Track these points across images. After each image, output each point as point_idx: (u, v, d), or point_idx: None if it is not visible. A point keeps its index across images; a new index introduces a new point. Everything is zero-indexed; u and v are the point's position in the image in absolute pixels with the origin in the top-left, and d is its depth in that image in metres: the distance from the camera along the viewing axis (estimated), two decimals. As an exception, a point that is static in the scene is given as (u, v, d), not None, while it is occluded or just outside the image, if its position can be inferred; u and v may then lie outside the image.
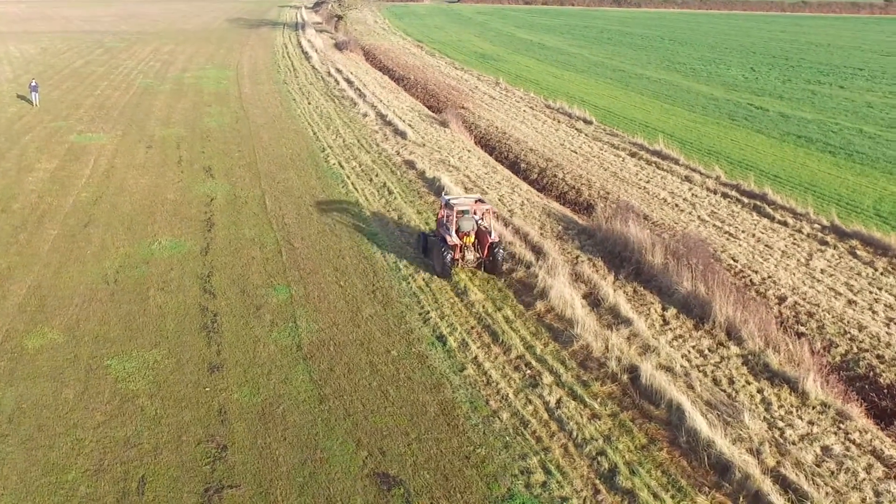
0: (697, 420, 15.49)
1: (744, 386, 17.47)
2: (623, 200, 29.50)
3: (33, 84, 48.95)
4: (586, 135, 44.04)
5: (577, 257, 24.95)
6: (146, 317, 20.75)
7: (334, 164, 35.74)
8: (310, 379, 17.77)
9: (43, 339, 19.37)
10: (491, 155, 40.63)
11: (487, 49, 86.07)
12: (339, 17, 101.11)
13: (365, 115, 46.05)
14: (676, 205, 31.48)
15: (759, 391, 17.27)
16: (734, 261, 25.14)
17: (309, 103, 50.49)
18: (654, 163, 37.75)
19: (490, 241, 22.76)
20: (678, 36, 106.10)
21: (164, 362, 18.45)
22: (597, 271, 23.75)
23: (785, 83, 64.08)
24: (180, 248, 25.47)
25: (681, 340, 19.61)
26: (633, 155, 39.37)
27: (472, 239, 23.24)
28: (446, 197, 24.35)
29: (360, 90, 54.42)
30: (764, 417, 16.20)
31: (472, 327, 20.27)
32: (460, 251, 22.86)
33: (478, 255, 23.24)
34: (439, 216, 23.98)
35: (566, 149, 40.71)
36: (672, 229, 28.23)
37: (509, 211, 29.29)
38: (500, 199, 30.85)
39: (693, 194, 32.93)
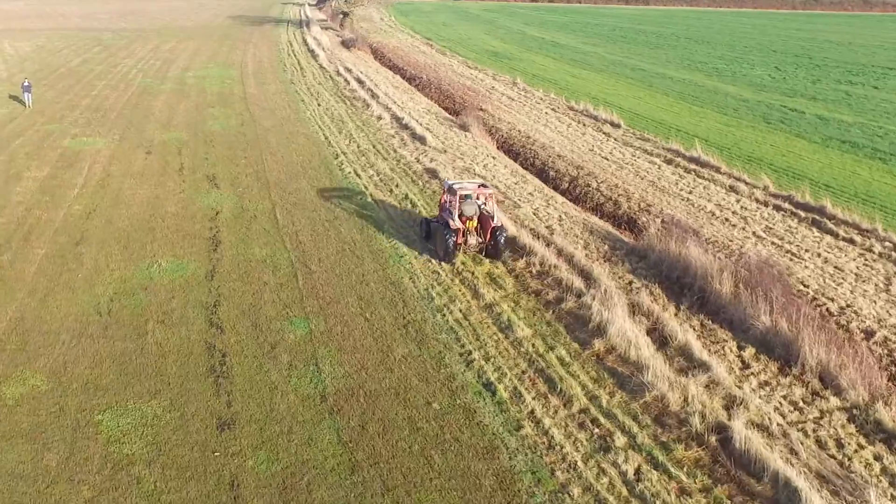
0: (815, 502, 12.68)
1: (856, 451, 14.66)
2: (677, 218, 26.64)
3: (26, 84, 46.11)
4: (615, 139, 41.20)
5: (630, 283, 22.13)
6: (144, 357, 17.96)
7: (350, 172, 32.91)
8: (338, 440, 14.96)
9: (24, 387, 16.58)
10: (515, 161, 37.80)
11: (499, 47, 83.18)
12: (345, 14, 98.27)
13: (379, 117, 43.20)
14: (726, 219, 28.65)
15: (877, 458, 14.46)
16: (804, 286, 22.31)
17: (319, 105, 47.63)
18: (694, 171, 34.92)
19: (493, 225, 22.80)
20: (693, 34, 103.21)
21: (164, 417, 15.65)
22: (655, 300, 20.94)
23: (815, 83, 61.22)
24: (183, 272, 22.66)
25: (768, 389, 16.78)
26: (669, 162, 36.54)
27: (475, 223, 23.26)
28: (449, 181, 24.56)
29: (371, 90, 51.56)
30: (893, 496, 13.39)
31: (524, 371, 17.45)
32: (463, 236, 22.92)
33: (480, 240, 23.25)
34: (442, 201, 24.21)
35: (596, 155, 37.87)
36: (727, 248, 25.42)
37: (548, 228, 26.43)
38: (535, 214, 28.02)
39: (742, 207, 30.10)
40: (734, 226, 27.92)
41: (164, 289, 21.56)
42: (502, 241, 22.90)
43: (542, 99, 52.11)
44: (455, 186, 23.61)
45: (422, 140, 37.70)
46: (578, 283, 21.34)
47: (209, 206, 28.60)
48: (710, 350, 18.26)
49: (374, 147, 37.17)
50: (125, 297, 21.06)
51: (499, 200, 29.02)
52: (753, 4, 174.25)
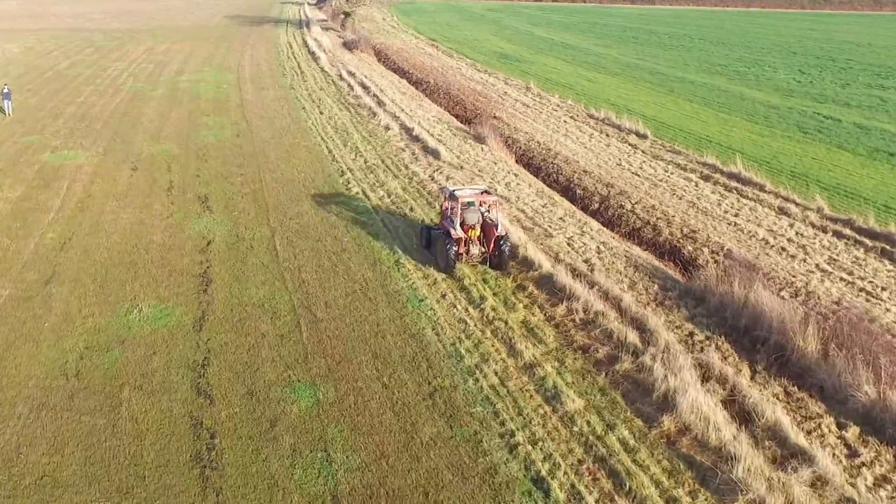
0: None
1: None
2: (738, 254, 23.35)
3: (6, 90, 42.79)
4: (643, 152, 37.95)
5: (690, 335, 18.88)
6: (116, 438, 14.71)
7: (357, 193, 29.61)
8: (355, 566, 11.72)
9: (-38, 484, 13.33)
10: (537, 176, 34.53)
11: (508, 49, 79.87)
12: (347, 15, 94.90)
13: (387, 127, 39.89)
14: (783, 248, 25.41)
15: None
16: (893, 336, 19.07)
17: (321, 113, 44.33)
18: (736, 189, 31.68)
19: (496, 234, 21.79)
20: (706, 35, 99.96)
21: (136, 530, 12.41)
22: (724, 357, 17.70)
23: (844, 87, 57.98)
24: (167, 319, 19.40)
25: (889, 488, 13.53)
26: (706, 179, 33.29)
27: (478, 232, 22.24)
28: (450, 188, 23.30)
29: (377, 97, 48.26)
30: None
31: (580, 460, 14.19)
32: (465, 245, 21.94)
33: (483, 250, 22.21)
34: (443, 208, 23.19)
35: (625, 170, 34.61)
36: (791, 285, 22.20)
37: (586, 262, 23.15)
38: (569, 244, 24.75)
39: (797, 233, 26.87)
40: (793, 257, 24.68)
41: (143, 342, 18.31)
42: (506, 250, 21.79)
43: (558, 106, 48.84)
44: (457, 193, 22.39)
45: (435, 154, 34.41)
46: (632, 336, 18.09)
47: (200, 233, 25.32)
48: (804, 430, 15.01)
49: (382, 162, 33.87)
50: (98, 353, 17.81)
51: (527, 227, 25.78)
52: (761, 4, 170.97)
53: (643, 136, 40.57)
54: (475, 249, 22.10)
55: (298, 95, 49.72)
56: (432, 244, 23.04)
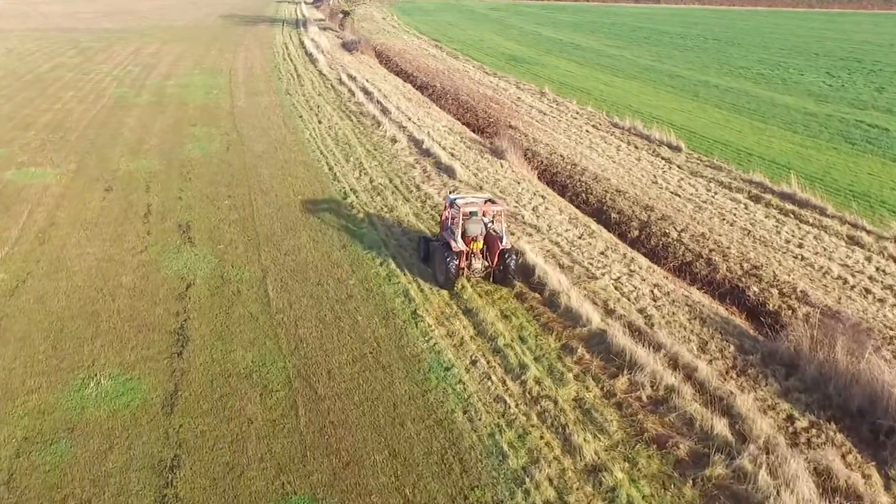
0: None
1: None
2: (836, 310, 19.45)
3: (-28, 98, 38.81)
4: (679, 167, 34.07)
5: (790, 420, 14.98)
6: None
7: (363, 220, 25.65)
8: None
9: None
10: (563, 196, 30.65)
11: (515, 50, 75.93)
12: (346, 14, 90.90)
13: (394, 139, 35.92)
14: (866, 290, 21.56)
15: None
16: None
17: (320, 122, 40.34)
18: (793, 213, 27.83)
19: (501, 247, 20.09)
20: (720, 35, 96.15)
21: None
22: (842, 456, 13.80)
23: (880, 92, 54.18)
24: (130, 396, 15.50)
25: None
26: (755, 199, 29.45)
27: (481, 245, 20.53)
28: (451, 196, 21.57)
29: (381, 103, 44.29)
30: None
31: None
32: (466, 258, 20.32)
33: (486, 264, 20.51)
34: (443, 218, 21.50)
35: (663, 189, 30.74)
36: (890, 340, 18.34)
37: (643, 314, 19.23)
38: (617, 287, 20.84)
39: (878, 269, 23.02)
40: (881, 301, 20.83)
41: (99, 430, 14.41)
42: (512, 265, 20.11)
43: (578, 113, 44.92)
44: (458, 201, 20.77)
45: (450, 172, 30.50)
46: (720, 425, 14.21)
47: (178, 273, 21.39)
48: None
49: (390, 181, 29.90)
50: (39, 447, 13.91)
51: (566, 266, 21.85)
52: (768, 3, 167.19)
53: (676, 149, 36.68)
54: (478, 263, 20.34)
55: (295, 102, 45.75)
56: (431, 257, 21.15)
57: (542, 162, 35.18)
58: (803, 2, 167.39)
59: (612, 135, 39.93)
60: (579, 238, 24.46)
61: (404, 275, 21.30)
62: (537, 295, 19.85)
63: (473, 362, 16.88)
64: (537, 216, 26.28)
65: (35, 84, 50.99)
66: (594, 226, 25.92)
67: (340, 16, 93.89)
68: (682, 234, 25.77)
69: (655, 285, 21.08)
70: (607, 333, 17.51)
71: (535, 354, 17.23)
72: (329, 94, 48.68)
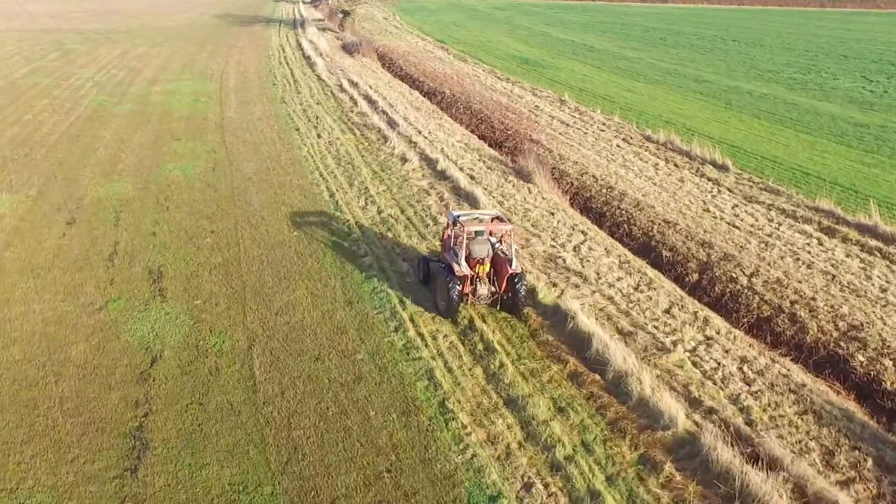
0: None
1: None
2: None
3: (-73, 110, 34.44)
4: (730, 190, 29.78)
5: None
6: None
7: (371, 265, 21.27)
8: None
9: None
10: (600, 226, 26.37)
11: (526, 52, 71.55)
12: (346, 14, 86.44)
13: (403, 158, 31.54)
14: None
15: None
16: None
17: (319, 136, 35.96)
18: (879, 251, 23.56)
19: (510, 271, 17.89)
20: (738, 35, 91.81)
21: None
22: None
23: (928, 99, 49.87)
24: (58, 549, 11.18)
25: None
26: (829, 233, 25.17)
27: (487, 268, 18.48)
28: (454, 213, 19.27)
29: (387, 114, 39.92)
30: None
31: None
32: (471, 283, 18.20)
33: (493, 290, 18.39)
34: (445, 237, 19.38)
35: (718, 220, 26.45)
36: None
37: (736, 403, 14.89)
38: (696, 363, 16.49)
39: None
40: None
41: None
42: (522, 291, 17.96)
43: (604, 124, 40.58)
44: (462, 219, 18.60)
45: (471, 199, 26.13)
46: None
47: (143, 341, 17.08)
48: None
49: (402, 213, 25.53)
50: None
51: (627, 332, 17.53)
52: (778, 2, 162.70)
53: (723, 168, 32.37)
54: (483, 289, 18.16)
55: (291, 112, 41.37)
56: (431, 279, 19.17)
57: (572, 184, 30.86)
58: (815, 1, 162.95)
59: (646, 150, 35.60)
60: (635, 290, 20.11)
61: (426, 345, 16.96)
62: (598, 378, 15.54)
63: (527, 486, 12.57)
64: (580, 259, 21.93)
65: (7, 91, 46.66)
66: (650, 272, 21.54)
67: (340, 16, 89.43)
68: (754, 281, 21.48)
69: (742, 359, 16.74)
70: (700, 441, 13.22)
71: (608, 472, 12.91)
72: (329, 102, 44.30)
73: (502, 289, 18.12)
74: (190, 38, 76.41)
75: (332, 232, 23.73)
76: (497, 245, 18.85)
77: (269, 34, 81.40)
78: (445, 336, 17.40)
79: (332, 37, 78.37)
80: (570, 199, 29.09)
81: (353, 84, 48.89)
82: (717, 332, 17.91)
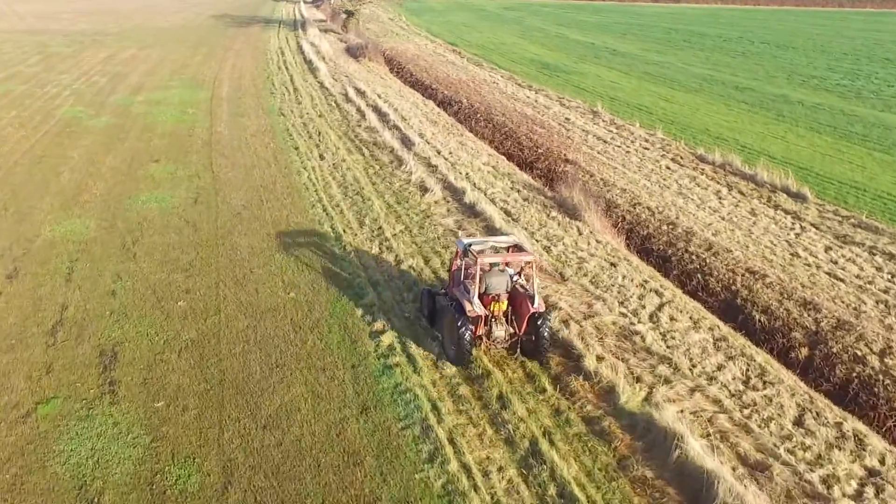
0: None
1: None
2: None
3: None
4: (815, 227, 24.76)
5: None
6: None
7: (389, 343, 16.22)
8: None
9: None
10: (667, 276, 21.36)
11: (545, 55, 66.50)
12: (350, 14, 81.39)
13: (423, 187, 26.47)
14: None
15: None
16: None
17: (322, 157, 30.92)
18: None
19: (532, 310, 14.83)
20: (765, 37, 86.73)
21: None
22: None
23: None
24: None
25: None
26: (958, 287, 20.07)
27: (505, 306, 15.30)
28: (465, 240, 15.96)
29: (400, 129, 34.88)
30: None
31: None
32: (485, 324, 15.06)
33: (511, 331, 15.23)
34: (453, 268, 16.23)
35: (812, 268, 21.46)
36: None
37: None
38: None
39: None
40: None
41: None
42: (546, 334, 15.04)
43: (647, 140, 35.53)
44: (474, 248, 15.56)
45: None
46: None
47: (75, 475, 12.15)
48: None
49: (426, 262, 20.47)
50: None
51: (753, 463, 12.45)
52: (795, 2, 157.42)
53: (799, 197, 27.37)
54: (500, 331, 15.39)
55: (290, 126, 36.34)
56: (438, 317, 16.30)
57: (623, 218, 25.83)
58: (833, 1, 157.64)
59: (701, 173, 30.57)
60: (745, 384, 15.05)
61: (474, 487, 11.93)
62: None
63: None
64: (662, 334, 16.87)
65: (-25, 100, 41.69)
66: (758, 355, 16.42)
67: (343, 16, 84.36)
68: (887, 362, 16.42)
69: (925, 506, 11.69)
70: None
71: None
72: (333, 114, 39.25)
73: (522, 330, 15.29)
74: (183, 41, 71.41)
75: (339, 291, 18.69)
76: (516, 278, 15.82)
77: (267, 36, 76.38)
78: (501, 469, 12.36)
79: (335, 39, 73.36)
80: (625, 240, 24.04)
81: (360, 93, 43.87)
82: (882, 462, 12.83)
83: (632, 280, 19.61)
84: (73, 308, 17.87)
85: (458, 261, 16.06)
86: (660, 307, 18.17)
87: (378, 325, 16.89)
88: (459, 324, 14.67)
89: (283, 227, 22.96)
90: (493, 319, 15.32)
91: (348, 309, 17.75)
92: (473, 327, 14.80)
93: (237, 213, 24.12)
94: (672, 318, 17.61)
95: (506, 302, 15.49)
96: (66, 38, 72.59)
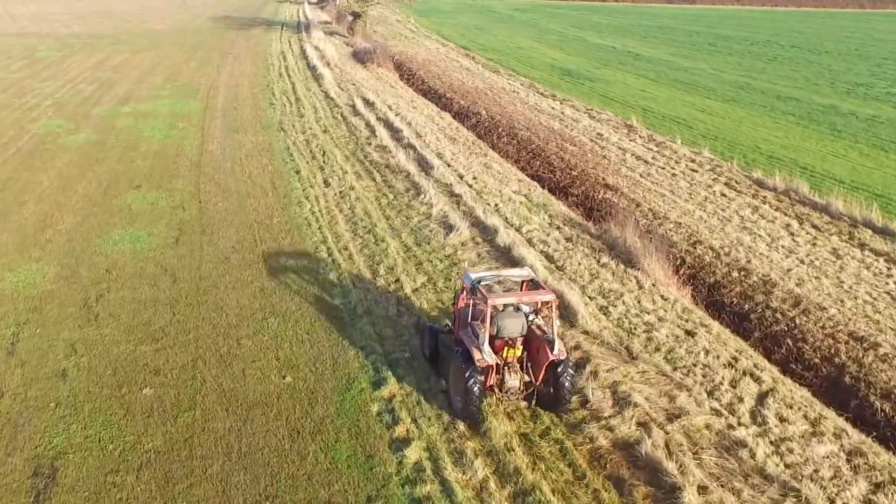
0: None
1: None
2: None
3: None
4: (914, 273, 20.63)
5: None
6: None
7: (416, 459, 12.22)
8: None
9: None
10: (745, 339, 17.31)
11: (564, 60, 62.45)
12: (357, 16, 77.44)
13: (445, 222, 22.40)
14: None
15: None
16: None
17: (327, 184, 26.91)
18: None
19: (551, 357, 12.72)
20: (793, 40, 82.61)
21: None
22: None
23: None
24: None
25: None
26: None
27: (519, 352, 13.24)
28: (473, 275, 13.79)
29: (415, 148, 30.86)
30: None
31: None
32: (497, 373, 13.03)
33: (527, 380, 13.20)
34: (459, 306, 14.11)
35: (932, 333, 17.29)
36: None
37: None
38: None
39: None
40: None
41: None
42: (567, 384, 12.88)
43: (693, 161, 31.47)
44: (483, 284, 13.46)
45: (561, 308, 16.95)
46: None
47: None
48: None
49: (451, 320, 16.43)
50: None
51: None
52: (814, 3, 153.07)
53: (888, 234, 23.25)
54: (514, 381, 12.98)
55: (291, 144, 32.37)
56: (441, 359, 14.25)
57: (682, 260, 21.80)
58: (854, 2, 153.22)
59: (763, 202, 26.51)
60: (912, 534, 10.98)
61: None
62: None
63: None
64: (774, 442, 12.77)
65: (-54, 112, 37.88)
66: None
67: (350, 18, 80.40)
68: None
69: None
70: None
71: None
72: (339, 129, 35.26)
73: (539, 378, 13.14)
74: (180, 44, 67.55)
75: (348, 374, 14.67)
76: (531, 318, 13.55)
77: (269, 39, 72.45)
78: None
79: (340, 42, 69.41)
80: (691, 291, 19.99)
81: (369, 104, 39.87)
82: None
83: (717, 357, 15.55)
84: (10, 397, 13.95)
85: (465, 298, 13.90)
86: (760, 399, 14.11)
87: (400, 431, 12.88)
88: (467, 374, 12.54)
89: (279, 279, 18.96)
90: (506, 367, 13.22)
91: (360, 403, 13.74)
92: (483, 378, 12.68)
93: (225, 259, 20.14)
94: (781, 418, 13.55)
95: (520, 347, 13.31)
96: (57, 42, 68.87)
